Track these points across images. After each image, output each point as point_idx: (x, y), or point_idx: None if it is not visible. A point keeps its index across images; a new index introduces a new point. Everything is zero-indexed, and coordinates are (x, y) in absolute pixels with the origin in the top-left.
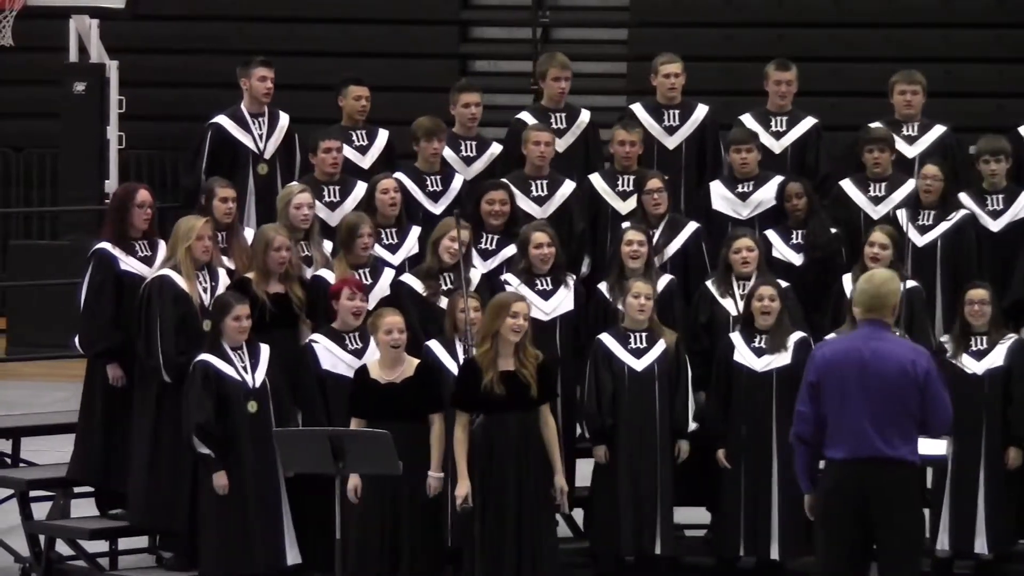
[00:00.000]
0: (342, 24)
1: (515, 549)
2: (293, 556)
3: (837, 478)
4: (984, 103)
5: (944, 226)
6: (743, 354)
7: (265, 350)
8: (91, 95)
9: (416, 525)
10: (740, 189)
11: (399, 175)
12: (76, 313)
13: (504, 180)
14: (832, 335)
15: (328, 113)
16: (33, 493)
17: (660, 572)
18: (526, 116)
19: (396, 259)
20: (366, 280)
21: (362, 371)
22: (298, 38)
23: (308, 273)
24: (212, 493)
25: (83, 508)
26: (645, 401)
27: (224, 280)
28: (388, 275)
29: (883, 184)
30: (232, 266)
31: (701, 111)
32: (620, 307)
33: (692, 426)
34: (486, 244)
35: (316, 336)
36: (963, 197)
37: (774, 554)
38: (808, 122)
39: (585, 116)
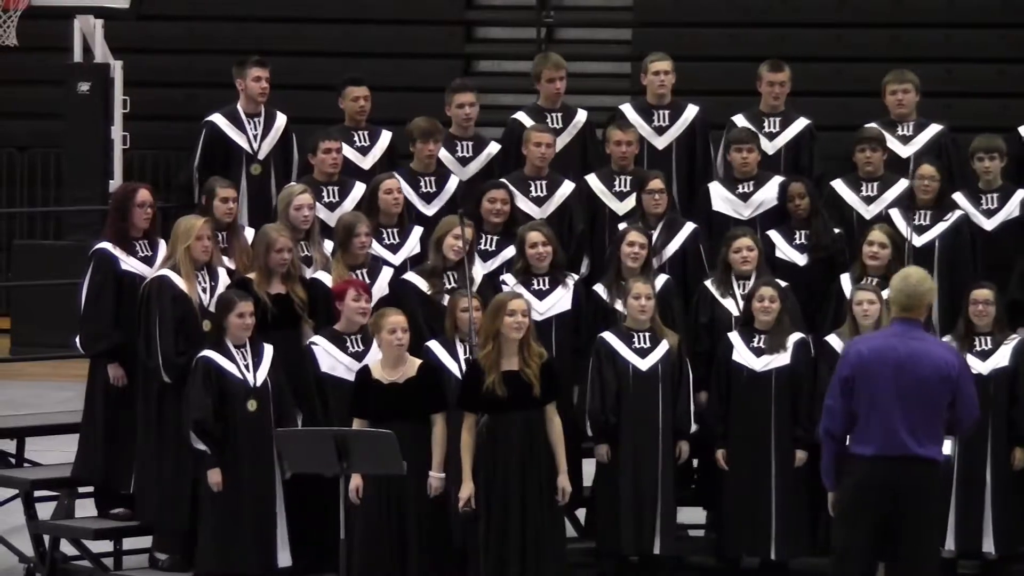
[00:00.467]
0: (346, 24)
1: (519, 550)
2: (285, 559)
3: (865, 474)
4: (986, 103)
5: (941, 226)
6: (742, 354)
7: (268, 350)
8: (95, 95)
9: (421, 525)
10: (740, 190)
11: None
12: (76, 313)
13: (503, 180)
14: (841, 332)
15: (331, 113)
16: (37, 493)
17: (664, 572)
18: (522, 116)
19: (397, 259)
20: (364, 280)
21: (364, 371)
22: (302, 38)
23: (308, 274)
24: (208, 490)
25: (87, 508)
26: (649, 401)
27: (224, 280)
28: (386, 275)
29: (875, 184)
30: (232, 266)
31: (691, 111)
32: (619, 307)
33: (694, 427)
34: (486, 245)
35: (316, 338)
36: (958, 196)
37: (773, 554)
38: (801, 123)
39: (582, 116)
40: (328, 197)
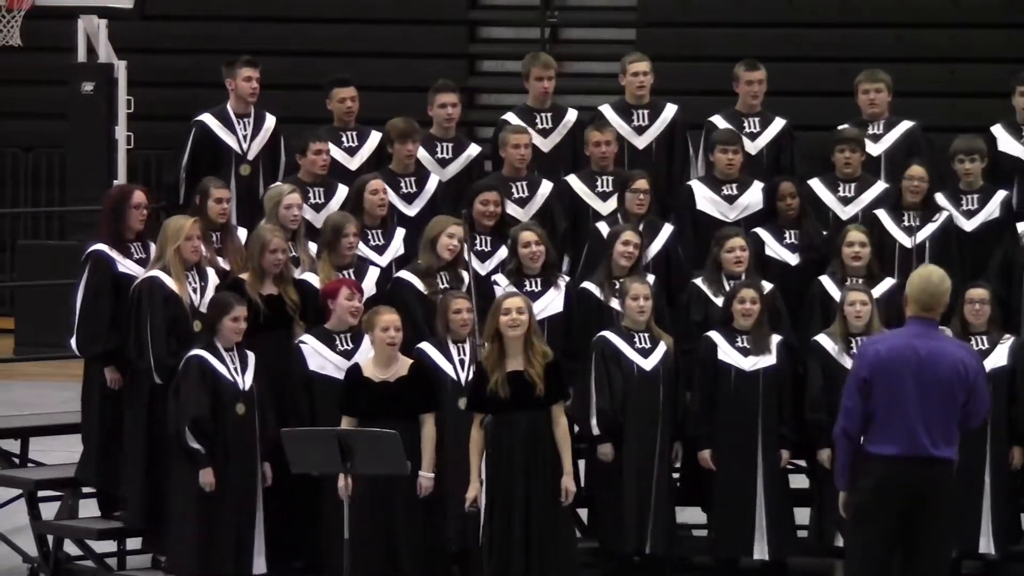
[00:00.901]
0: (350, 24)
1: (523, 550)
2: (260, 565)
3: (884, 475)
4: (990, 103)
5: (931, 227)
6: (728, 354)
7: (251, 355)
8: (99, 95)
9: (413, 525)
10: (725, 192)
11: None
12: (71, 315)
13: (493, 183)
14: (831, 333)
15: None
16: (41, 493)
17: (667, 571)
18: (511, 117)
19: (384, 260)
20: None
21: (355, 369)
22: (306, 38)
23: (295, 274)
24: (190, 490)
25: (91, 508)
26: (651, 401)
27: (213, 280)
28: (373, 275)
29: (852, 184)
30: (228, 267)
31: (670, 110)
32: (615, 307)
33: None
34: (482, 246)
35: (305, 336)
36: (938, 197)
37: (759, 554)
38: (779, 123)
39: (571, 116)
40: (314, 198)
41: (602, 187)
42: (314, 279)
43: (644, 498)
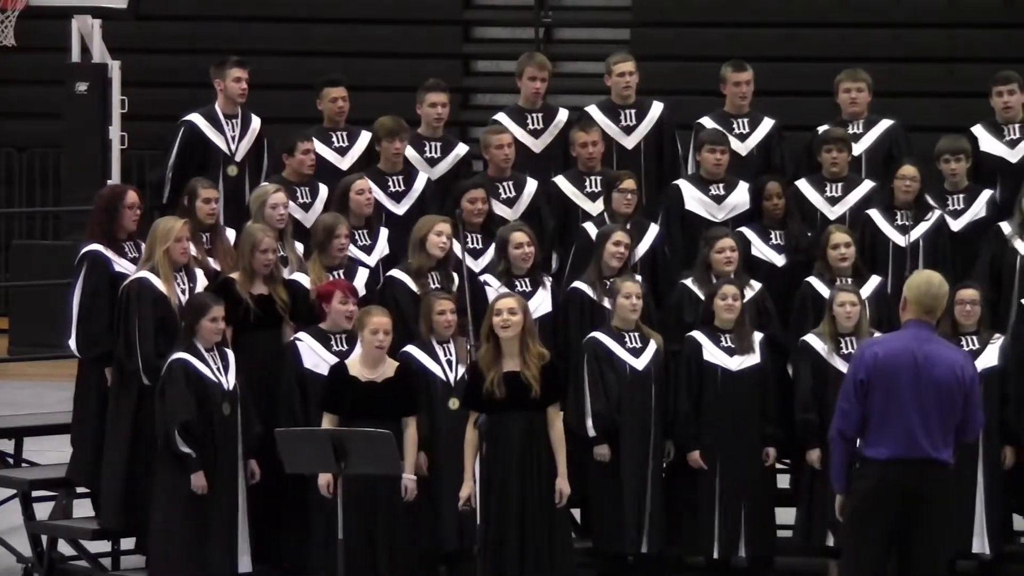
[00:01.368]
0: (345, 24)
1: (518, 551)
2: (245, 564)
3: (881, 477)
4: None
5: (924, 226)
6: (714, 354)
7: (231, 354)
8: (93, 95)
9: (394, 526)
10: (713, 192)
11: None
12: (67, 315)
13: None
14: (820, 333)
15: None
16: (35, 493)
17: (661, 571)
18: (502, 117)
19: (371, 260)
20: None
21: (339, 367)
22: (301, 38)
23: (284, 274)
24: (178, 493)
25: (85, 508)
26: (643, 400)
27: (202, 281)
28: (362, 275)
29: (839, 184)
30: (218, 267)
31: (657, 109)
32: (607, 306)
33: None
34: (473, 243)
35: (300, 334)
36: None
37: (742, 552)
38: (768, 123)
39: (563, 116)
40: (302, 198)
41: (590, 187)
42: (304, 279)
43: (640, 498)
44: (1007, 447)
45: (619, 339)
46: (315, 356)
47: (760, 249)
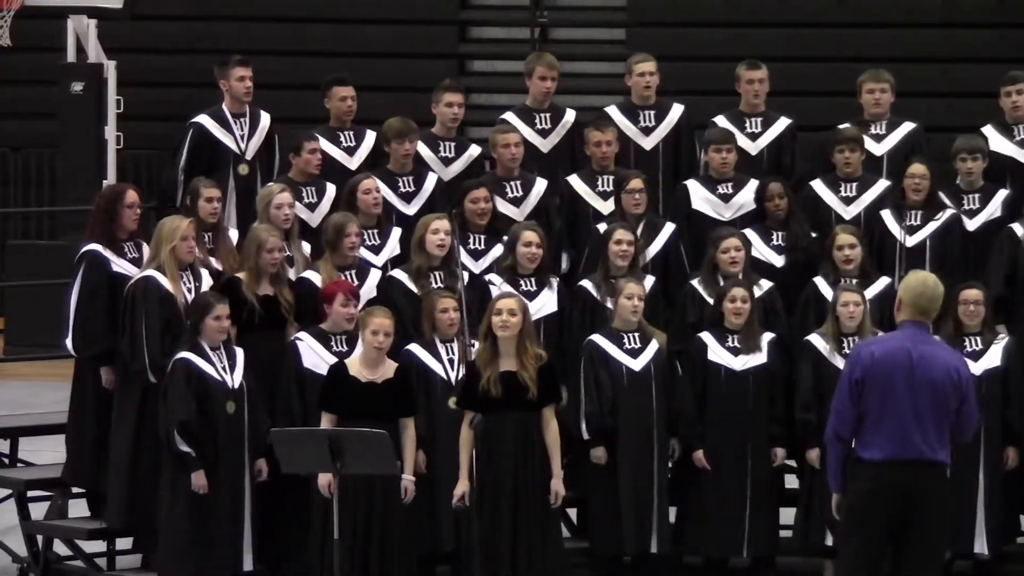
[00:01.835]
0: (341, 24)
1: (511, 550)
2: (248, 562)
3: (876, 478)
4: (984, 103)
5: (933, 226)
6: (718, 353)
7: (240, 352)
8: (89, 95)
9: (391, 527)
10: (721, 191)
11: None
12: (65, 315)
13: (483, 179)
14: (823, 333)
15: (328, 113)
16: (31, 493)
17: (658, 571)
18: (510, 116)
19: (379, 260)
20: (352, 281)
21: (339, 367)
22: (297, 38)
23: (291, 274)
24: (181, 492)
25: (81, 508)
26: (643, 401)
27: (207, 281)
28: (375, 276)
29: (854, 184)
30: (220, 267)
31: (676, 111)
32: (609, 307)
33: None
34: (475, 244)
35: (301, 334)
36: (942, 196)
37: (744, 553)
38: (783, 123)
39: (570, 116)
40: (308, 197)
41: (603, 186)
42: (315, 277)
43: (644, 498)
44: (1010, 448)
45: (617, 340)
46: (315, 356)
47: (760, 250)
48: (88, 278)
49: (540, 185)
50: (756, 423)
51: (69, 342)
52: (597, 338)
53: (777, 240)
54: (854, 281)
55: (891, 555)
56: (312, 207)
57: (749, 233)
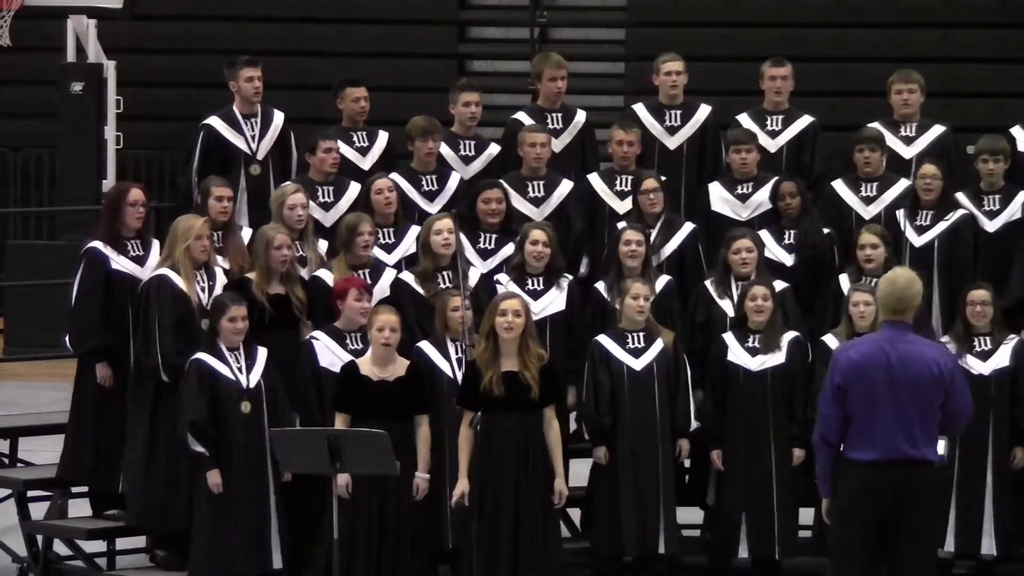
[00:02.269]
0: (340, 24)
1: (511, 550)
2: (277, 560)
3: (864, 480)
4: (983, 103)
5: (942, 226)
6: (737, 354)
7: (262, 352)
8: (89, 95)
9: (404, 525)
10: (739, 190)
11: (394, 176)
12: (67, 312)
13: (499, 180)
14: (837, 332)
15: (328, 113)
16: (31, 493)
17: (660, 572)
18: (522, 116)
19: (392, 259)
20: (366, 280)
21: (351, 367)
22: (296, 38)
23: (304, 274)
24: (204, 493)
25: (80, 508)
26: (645, 400)
27: (221, 280)
28: (389, 275)
29: (874, 184)
30: (227, 266)
31: (703, 111)
32: (617, 307)
33: (694, 424)
34: (485, 244)
35: (316, 333)
36: (960, 197)
37: (777, 554)
38: (804, 120)
39: (581, 116)
40: (324, 197)
41: (621, 186)
42: (328, 276)
43: (649, 499)
44: (1017, 448)
45: (621, 340)
46: (330, 355)
47: (772, 249)
48: (86, 275)
49: (565, 187)
50: (773, 423)
51: (67, 339)
52: (602, 338)
53: (788, 239)
54: (872, 281)
55: (885, 557)
56: (328, 207)
57: (763, 234)
